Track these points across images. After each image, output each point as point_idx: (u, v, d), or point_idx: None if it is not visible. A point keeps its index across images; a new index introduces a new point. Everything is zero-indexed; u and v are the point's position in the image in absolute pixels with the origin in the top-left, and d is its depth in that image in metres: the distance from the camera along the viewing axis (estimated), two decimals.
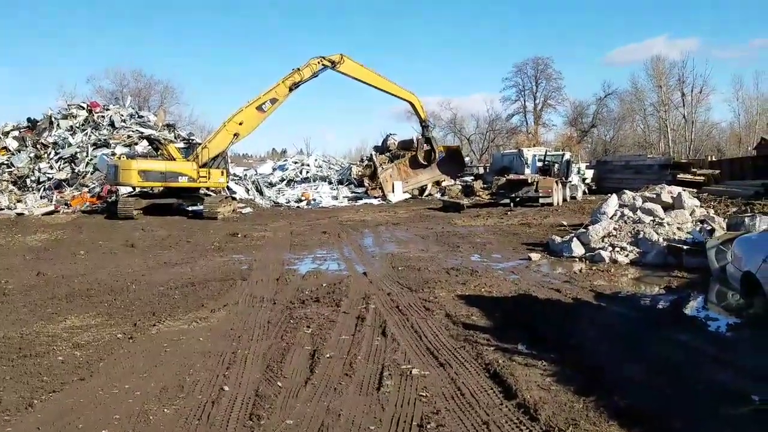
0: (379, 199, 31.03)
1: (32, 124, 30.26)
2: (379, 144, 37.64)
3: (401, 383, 5.10)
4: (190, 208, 23.57)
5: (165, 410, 4.62)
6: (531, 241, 14.41)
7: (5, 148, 28.26)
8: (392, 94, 28.50)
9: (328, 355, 5.89)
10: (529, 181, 24.92)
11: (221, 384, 5.15)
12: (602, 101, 64.95)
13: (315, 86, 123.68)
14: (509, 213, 21.90)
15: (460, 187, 32.98)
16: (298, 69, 25.05)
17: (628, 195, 14.30)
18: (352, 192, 32.78)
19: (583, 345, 6.13)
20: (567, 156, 29.97)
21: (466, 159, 45.36)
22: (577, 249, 12.12)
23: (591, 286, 9.14)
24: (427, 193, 32.84)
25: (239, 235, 16.72)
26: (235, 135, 23.91)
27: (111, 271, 11.36)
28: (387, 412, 4.53)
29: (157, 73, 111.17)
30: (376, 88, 27.65)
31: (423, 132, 30.25)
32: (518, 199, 24.83)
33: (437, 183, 32.51)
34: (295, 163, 40.20)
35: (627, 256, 11.33)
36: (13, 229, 18.11)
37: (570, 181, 28.51)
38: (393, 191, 30.63)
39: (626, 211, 13.26)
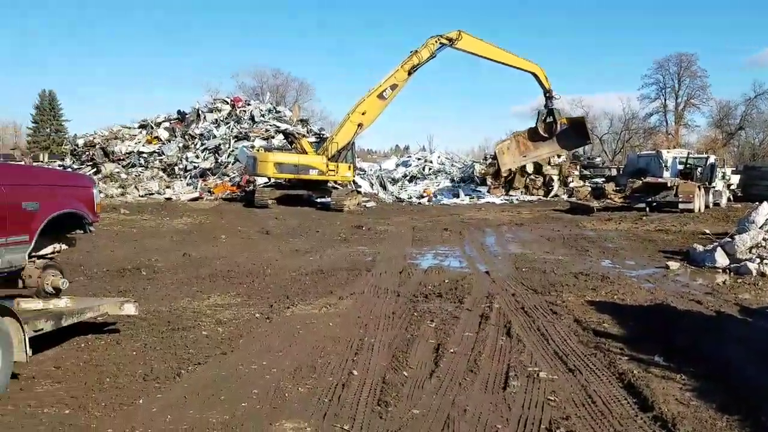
0: (502, 198, 30.49)
1: (182, 116, 32.95)
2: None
3: (528, 385, 5.01)
4: (318, 200, 24.57)
5: (299, 389, 4.88)
6: (669, 249, 13.51)
7: (157, 137, 31.06)
8: (515, 67, 27.22)
9: (452, 350, 5.91)
10: (669, 185, 23.34)
11: (350, 368, 5.35)
12: (752, 102, 59.26)
13: (440, 82, 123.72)
14: (644, 218, 20.66)
15: (589, 189, 31.57)
16: (416, 51, 24.73)
17: None
18: (474, 190, 32.49)
19: (726, 360, 5.70)
20: (711, 159, 27.67)
21: (597, 160, 43.33)
22: (721, 259, 11.21)
23: (736, 299, 8.44)
24: (553, 194, 31.78)
25: (364, 228, 17.18)
26: (359, 125, 24.28)
27: (248, 255, 12.14)
28: (514, 412, 4.47)
29: (294, 71, 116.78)
30: (497, 62, 26.73)
31: (546, 103, 28.35)
32: (655, 203, 23.35)
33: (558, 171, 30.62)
34: (418, 159, 40.53)
35: None
36: (162, 212, 19.87)
37: (714, 187, 26.35)
38: (506, 164, 29.53)
39: None
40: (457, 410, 4.47)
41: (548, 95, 28.14)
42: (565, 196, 30.52)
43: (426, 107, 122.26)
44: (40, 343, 5.41)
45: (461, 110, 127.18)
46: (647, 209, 23.01)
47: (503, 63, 26.85)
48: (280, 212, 21.32)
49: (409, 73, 24.72)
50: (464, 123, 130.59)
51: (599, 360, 5.64)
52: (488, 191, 31.76)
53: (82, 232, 6.03)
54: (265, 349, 5.91)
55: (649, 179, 24.99)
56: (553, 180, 33.30)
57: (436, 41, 24.92)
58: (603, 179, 34.54)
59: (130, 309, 6.13)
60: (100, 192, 25.08)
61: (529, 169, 32.44)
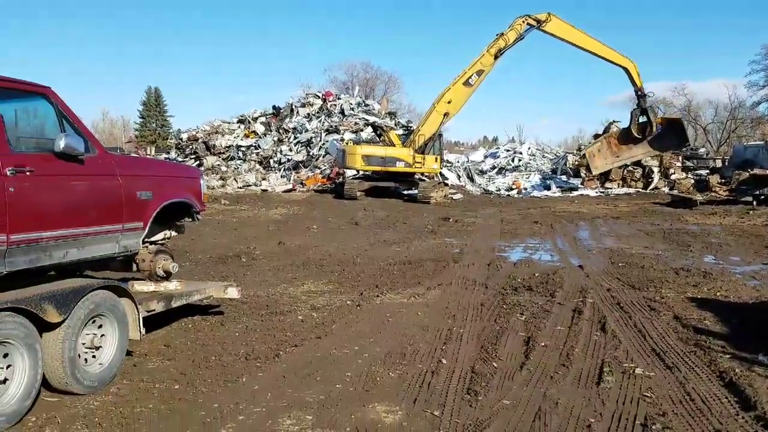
0: (597, 190, 29.40)
1: (276, 111, 34.20)
2: (600, 132, 35.47)
3: (623, 381, 4.89)
4: (405, 192, 24.76)
5: (390, 374, 5.03)
6: None
7: (254, 132, 32.41)
8: (604, 59, 25.67)
9: (543, 344, 5.86)
10: None
11: (439, 357, 5.43)
12: None
13: (530, 71, 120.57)
14: (751, 212, 19.30)
15: (692, 181, 29.82)
16: (502, 34, 24.06)
17: None
18: (567, 182, 31.54)
19: None
20: None
21: (701, 150, 40.79)
22: None
23: None
24: (653, 186, 30.28)
25: (451, 220, 17.17)
26: (444, 114, 24.02)
27: (339, 244, 12.49)
28: (608, 407, 4.39)
29: (383, 64, 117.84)
30: (585, 50, 25.31)
31: (639, 102, 26.65)
32: (763, 197, 21.75)
33: (659, 164, 28.99)
34: (507, 151, 39.82)
35: None
36: (258, 203, 20.78)
37: None
38: (597, 167, 28.23)
39: None
40: (548, 403, 4.45)
41: (639, 93, 26.51)
42: (665, 189, 28.97)
43: (516, 98, 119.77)
44: (151, 324, 5.87)
45: (553, 101, 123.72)
46: (754, 203, 21.46)
47: (592, 53, 25.47)
48: (368, 204, 21.69)
49: (496, 57, 24.05)
50: (556, 113, 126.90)
51: (699, 357, 5.41)
52: (582, 183, 30.72)
53: (190, 220, 6.45)
54: (356, 335, 6.11)
55: (756, 171, 23.32)
56: (653, 172, 31.60)
57: (523, 21, 24.10)
58: (707, 171, 32.47)
59: (233, 293, 6.50)
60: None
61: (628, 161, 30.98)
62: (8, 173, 4.14)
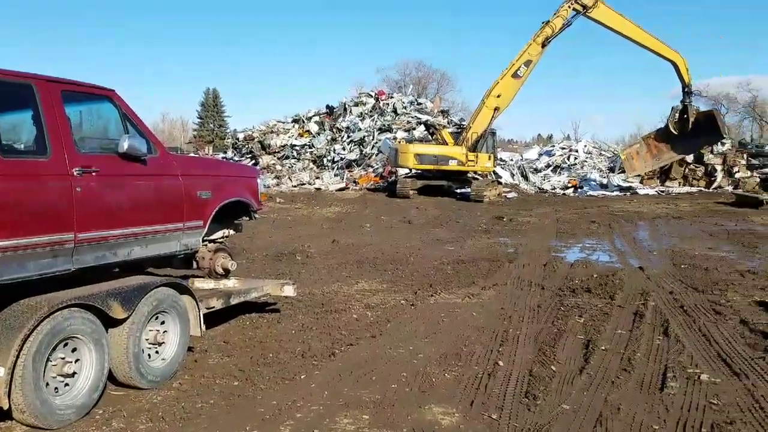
0: (657, 189, 28.44)
1: (330, 110, 34.56)
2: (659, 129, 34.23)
3: (687, 387, 4.72)
4: (458, 191, 24.58)
5: (446, 375, 4.99)
6: None
7: (308, 131, 32.85)
8: (653, 51, 24.60)
9: (603, 348, 5.70)
10: None
11: (496, 359, 5.36)
12: None
13: (585, 66, 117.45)
14: None
15: (758, 179, 28.49)
16: (548, 21, 23.48)
17: None
18: (625, 180, 30.62)
19: None
20: None
21: (767, 148, 38.90)
22: None
23: None
24: (716, 185, 29.09)
25: (504, 219, 16.94)
26: (495, 109, 23.65)
27: (392, 243, 12.51)
28: (672, 414, 4.24)
29: (435, 62, 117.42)
30: (633, 41, 24.30)
31: (684, 98, 25.53)
32: None
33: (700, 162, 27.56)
34: (562, 149, 38.96)
35: None
36: (312, 201, 21.04)
37: None
38: (635, 170, 27.18)
39: None
40: (609, 408, 4.32)
41: (687, 90, 25.38)
42: (730, 188, 27.77)
43: (571, 94, 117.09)
44: (211, 320, 6.01)
45: (610, 96, 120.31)
46: None
47: (639, 44, 24.42)
48: (421, 202, 21.65)
49: (543, 46, 23.52)
50: (614, 109, 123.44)
51: None
52: (641, 182, 29.77)
53: (248, 218, 6.56)
54: (411, 335, 6.10)
55: None
56: (716, 170, 30.38)
57: (569, 6, 23.46)
58: None
59: (289, 291, 6.58)
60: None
61: (689, 158, 29.79)
62: (75, 173, 4.30)
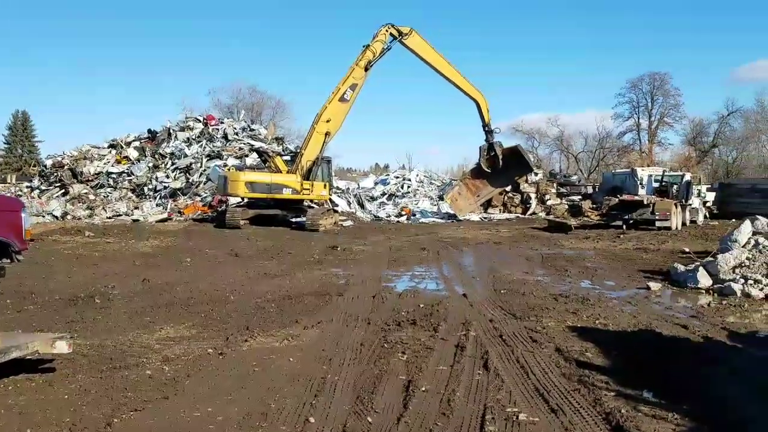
0: (481, 215, 30.14)
1: (152, 135, 32.17)
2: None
3: (506, 429, 4.48)
4: (293, 219, 23.91)
5: None
6: (648, 268, 13.16)
7: (126, 157, 30.21)
8: (459, 87, 25.99)
9: (423, 388, 5.36)
10: (645, 203, 23.21)
11: (307, 415, 4.75)
12: (725, 120, 60.00)
13: (420, 99, 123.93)
14: (622, 236, 20.40)
15: (566, 206, 31.43)
16: (368, 45, 24.01)
17: (761, 221, 12.79)
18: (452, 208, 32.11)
19: (721, 395, 5.28)
20: (687, 177, 27.69)
21: (574, 178, 43.28)
22: (704, 280, 10.85)
23: (723, 323, 8.07)
24: (531, 211, 31.57)
25: (338, 248, 16.60)
26: (326, 134, 23.54)
27: (213, 280, 11.47)
28: None
29: (270, 88, 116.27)
30: (441, 74, 25.57)
31: (486, 137, 27.27)
32: (632, 221, 23.17)
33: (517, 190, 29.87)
34: (397, 177, 40.16)
35: (762, 289, 10.00)
36: (127, 234, 19.05)
37: (690, 204, 26.34)
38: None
39: (761, 239, 11.76)
40: None
41: (487, 129, 27.11)
42: (542, 214, 30.29)
43: (405, 125, 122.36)
44: None
45: (443, 128, 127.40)
46: (624, 227, 22.80)
47: (447, 78, 25.77)
48: (252, 233, 20.64)
49: (366, 69, 23.96)
50: (445, 141, 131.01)
51: (583, 397, 5.14)
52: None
53: (8, 261, 5.39)
54: (213, 392, 5.27)
55: (625, 197, 24.88)
56: (530, 198, 33.18)
57: (386, 31, 24.23)
58: (579, 197, 34.51)
59: (62, 347, 5.47)
60: (66, 214, 24.35)
61: (507, 188, 32.05)
62: None
